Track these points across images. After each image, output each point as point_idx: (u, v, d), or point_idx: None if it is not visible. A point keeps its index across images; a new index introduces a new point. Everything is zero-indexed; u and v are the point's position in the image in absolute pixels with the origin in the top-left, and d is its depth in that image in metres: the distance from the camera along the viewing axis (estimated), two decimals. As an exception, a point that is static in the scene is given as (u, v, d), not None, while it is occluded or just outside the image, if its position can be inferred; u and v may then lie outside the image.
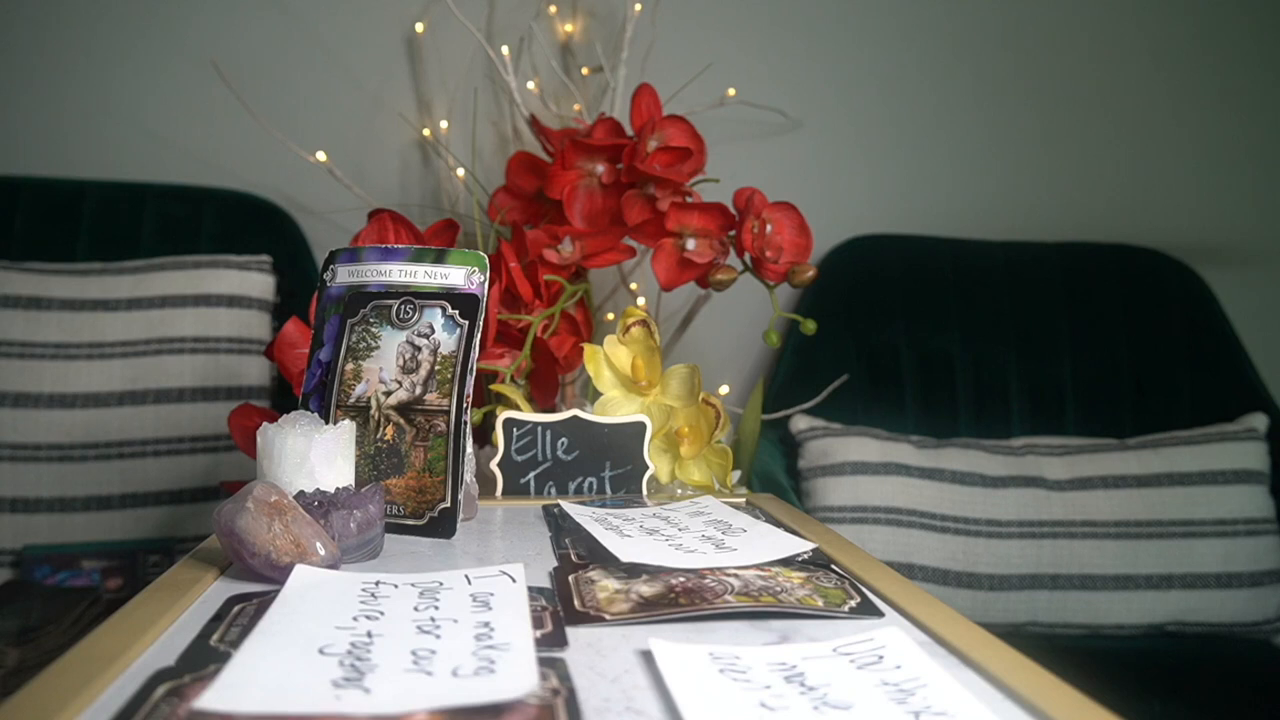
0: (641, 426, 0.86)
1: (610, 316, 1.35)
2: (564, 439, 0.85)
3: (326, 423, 0.70)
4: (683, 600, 0.53)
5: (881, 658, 0.44)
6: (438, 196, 1.49)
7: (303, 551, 0.56)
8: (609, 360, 0.91)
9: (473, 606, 0.50)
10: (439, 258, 0.75)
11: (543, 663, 0.43)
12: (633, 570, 0.58)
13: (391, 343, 0.73)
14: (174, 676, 0.42)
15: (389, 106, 1.48)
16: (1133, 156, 1.63)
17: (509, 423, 0.85)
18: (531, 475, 0.85)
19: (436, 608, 0.50)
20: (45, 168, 1.39)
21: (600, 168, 1.06)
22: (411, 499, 0.70)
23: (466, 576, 0.55)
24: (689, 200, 1.03)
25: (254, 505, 0.56)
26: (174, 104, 1.44)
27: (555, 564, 0.62)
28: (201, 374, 1.24)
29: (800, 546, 0.64)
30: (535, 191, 1.15)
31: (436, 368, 0.72)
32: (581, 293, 1.07)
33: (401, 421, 0.72)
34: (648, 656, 0.45)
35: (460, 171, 1.42)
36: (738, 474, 0.98)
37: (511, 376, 0.97)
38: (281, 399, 1.28)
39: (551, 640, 0.47)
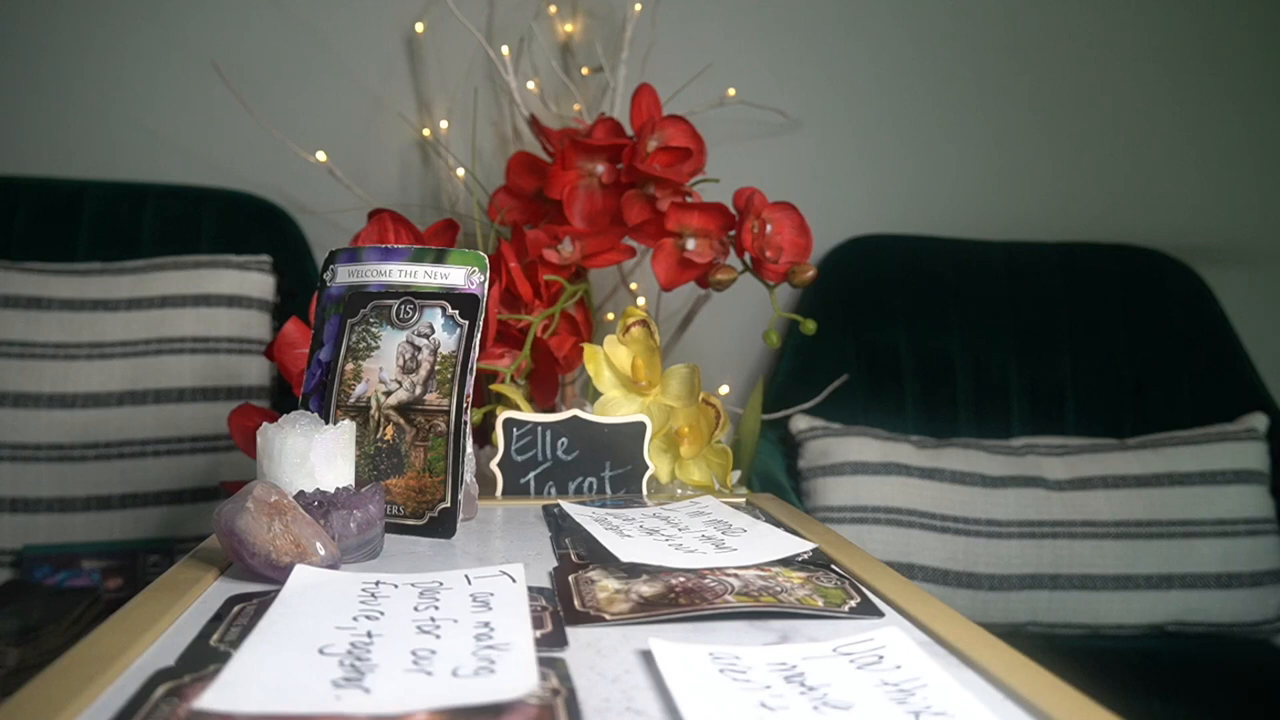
0: (641, 426, 0.86)
1: (610, 316, 1.35)
2: (564, 439, 0.85)
3: (326, 423, 0.70)
4: (683, 600, 0.53)
5: (881, 658, 0.44)
6: (438, 196, 1.49)
7: (303, 551, 0.56)
8: (609, 360, 0.91)
9: (473, 606, 0.50)
10: (439, 258, 0.75)
11: (543, 663, 0.43)
12: (633, 570, 0.58)
13: (391, 343, 0.73)
14: (174, 676, 0.42)
15: (389, 106, 1.48)
16: (1133, 156, 1.63)
17: (509, 423, 0.85)
18: (531, 475, 0.85)
19: (436, 608, 0.50)
20: (45, 168, 1.39)
21: (600, 168, 1.06)
22: (411, 499, 0.70)
23: (466, 576, 0.55)
24: (689, 200, 1.03)
25: (254, 505, 0.56)
26: (174, 104, 1.44)
27: (555, 564, 0.62)
28: (201, 374, 1.24)
29: (800, 546, 0.64)
30: (535, 191, 1.15)
31: (436, 368, 0.72)
32: (581, 293, 1.07)
33: (401, 421, 0.72)
34: (648, 656, 0.45)
35: (460, 171, 1.42)
36: (738, 474, 0.98)
37: (511, 376, 0.97)
38: (281, 399, 1.28)
39: (551, 640, 0.47)
